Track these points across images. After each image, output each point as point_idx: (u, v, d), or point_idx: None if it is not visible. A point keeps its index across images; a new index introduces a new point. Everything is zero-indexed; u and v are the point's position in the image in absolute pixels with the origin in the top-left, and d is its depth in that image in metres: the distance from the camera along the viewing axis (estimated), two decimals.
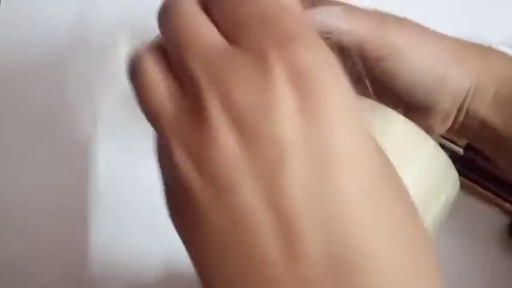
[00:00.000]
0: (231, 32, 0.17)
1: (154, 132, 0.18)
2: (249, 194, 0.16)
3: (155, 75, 0.17)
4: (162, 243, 0.46)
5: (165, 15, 0.18)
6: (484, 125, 0.31)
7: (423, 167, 0.28)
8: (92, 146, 0.49)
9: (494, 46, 0.47)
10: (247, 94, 0.16)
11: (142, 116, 0.18)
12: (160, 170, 0.18)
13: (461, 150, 0.48)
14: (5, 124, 0.50)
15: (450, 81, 0.30)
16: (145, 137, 0.49)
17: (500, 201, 0.48)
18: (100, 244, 0.46)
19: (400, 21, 0.32)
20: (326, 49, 0.17)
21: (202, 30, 0.17)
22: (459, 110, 0.31)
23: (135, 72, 0.18)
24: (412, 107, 0.30)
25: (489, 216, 0.48)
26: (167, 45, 0.18)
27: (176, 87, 0.17)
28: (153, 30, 0.18)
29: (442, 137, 0.48)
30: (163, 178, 0.18)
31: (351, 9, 0.27)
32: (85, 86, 0.51)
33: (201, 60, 0.17)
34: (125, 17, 0.53)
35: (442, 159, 0.29)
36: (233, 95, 0.16)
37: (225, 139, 0.15)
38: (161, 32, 0.18)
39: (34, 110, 0.50)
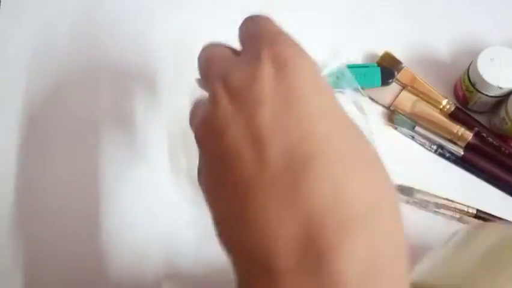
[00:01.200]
0: (241, 45, 0.28)
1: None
2: (236, 130, 0.24)
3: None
4: (163, 243, 0.46)
5: (205, 48, 0.29)
6: None
7: None
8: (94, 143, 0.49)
9: (494, 46, 0.48)
10: (241, 75, 0.25)
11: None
12: (190, 124, 0.29)
13: (461, 151, 0.48)
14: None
15: None
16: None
17: None
18: (100, 242, 0.46)
19: None
20: (300, 47, 0.25)
21: (221, 50, 0.28)
22: None
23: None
24: None
25: None
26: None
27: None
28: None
29: (442, 137, 0.49)
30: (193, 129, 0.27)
31: None
32: (84, 86, 0.51)
33: (216, 66, 0.27)
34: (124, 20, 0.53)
35: None
36: (231, 79, 0.25)
37: (223, 103, 0.25)
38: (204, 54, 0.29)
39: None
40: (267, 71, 0.24)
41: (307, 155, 0.22)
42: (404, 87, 0.50)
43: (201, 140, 0.26)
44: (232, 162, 0.24)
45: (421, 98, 0.50)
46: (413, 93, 0.50)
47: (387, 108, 0.50)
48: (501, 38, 0.52)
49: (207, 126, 0.25)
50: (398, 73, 0.50)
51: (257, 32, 0.27)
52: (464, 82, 0.48)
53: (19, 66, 0.52)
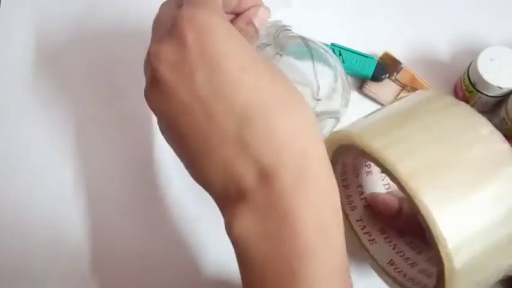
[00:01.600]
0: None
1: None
2: (181, 96, 0.29)
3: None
4: (163, 243, 0.46)
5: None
6: None
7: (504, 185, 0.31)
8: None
9: (494, 46, 0.48)
10: (169, 48, 0.29)
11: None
12: (145, 73, 0.32)
13: None
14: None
15: None
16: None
17: None
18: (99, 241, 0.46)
19: None
20: (215, 6, 0.30)
21: (164, 13, 0.33)
22: None
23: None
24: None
25: None
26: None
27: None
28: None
29: None
30: (146, 79, 0.31)
31: None
32: (85, 86, 0.51)
33: (153, 37, 0.33)
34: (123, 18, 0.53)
35: None
36: (163, 52, 0.29)
37: (164, 75, 0.29)
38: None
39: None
40: (188, 38, 0.29)
41: (242, 104, 0.28)
42: (403, 87, 0.50)
43: (152, 107, 0.31)
44: (186, 122, 0.29)
45: None
46: None
47: None
48: (501, 38, 0.52)
49: (153, 93, 0.30)
50: (397, 73, 0.50)
51: None
52: (464, 82, 0.48)
53: (19, 66, 0.52)
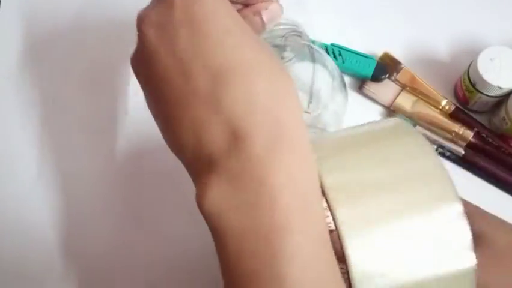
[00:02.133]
0: None
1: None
2: (163, 57, 0.28)
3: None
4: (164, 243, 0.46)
5: None
6: None
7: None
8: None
9: (494, 46, 0.48)
10: (157, 10, 0.29)
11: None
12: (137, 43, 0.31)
13: (461, 150, 0.48)
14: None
15: None
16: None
17: None
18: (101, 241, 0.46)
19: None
20: None
21: None
22: None
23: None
24: None
25: None
26: None
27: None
28: None
29: (443, 137, 0.49)
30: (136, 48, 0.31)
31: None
32: (85, 86, 0.51)
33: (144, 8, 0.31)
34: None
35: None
36: (150, 15, 0.29)
37: (148, 36, 0.29)
38: None
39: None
40: (177, 1, 0.29)
41: (220, 65, 0.27)
42: (403, 87, 0.50)
43: (135, 70, 0.31)
44: (164, 81, 0.29)
45: (421, 98, 0.50)
46: (412, 93, 0.50)
47: (388, 108, 0.50)
48: (501, 38, 0.52)
49: (137, 56, 0.30)
50: (397, 73, 0.50)
51: None
52: (464, 82, 0.48)
53: (19, 66, 0.52)
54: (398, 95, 0.50)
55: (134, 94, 0.49)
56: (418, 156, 0.30)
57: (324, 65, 0.43)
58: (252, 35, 0.29)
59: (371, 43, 0.51)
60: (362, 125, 0.33)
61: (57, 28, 0.54)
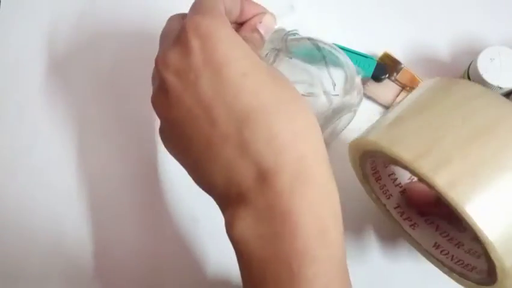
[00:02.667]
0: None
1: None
2: (186, 101, 0.30)
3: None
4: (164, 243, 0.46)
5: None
6: None
7: None
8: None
9: (494, 46, 0.48)
10: (175, 56, 0.31)
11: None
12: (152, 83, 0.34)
13: None
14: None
15: None
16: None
17: None
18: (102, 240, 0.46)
19: None
20: (217, 14, 0.31)
21: (170, 26, 0.35)
22: None
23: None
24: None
25: None
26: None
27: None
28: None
29: None
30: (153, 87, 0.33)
31: None
32: (85, 85, 0.51)
33: (161, 49, 0.34)
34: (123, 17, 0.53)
35: None
36: (170, 59, 0.31)
37: (169, 81, 0.31)
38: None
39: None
40: (193, 45, 0.30)
41: (243, 109, 0.29)
42: (403, 87, 0.50)
43: (158, 112, 0.32)
44: (192, 128, 0.30)
45: None
46: None
47: (387, 108, 0.50)
48: (501, 38, 0.52)
49: (160, 98, 0.32)
50: (397, 73, 0.50)
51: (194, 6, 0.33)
52: None
53: (19, 66, 0.52)
54: (398, 95, 0.50)
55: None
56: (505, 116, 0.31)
57: (336, 60, 0.43)
58: (268, 71, 0.31)
59: (371, 43, 0.51)
60: (416, 98, 0.35)
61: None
